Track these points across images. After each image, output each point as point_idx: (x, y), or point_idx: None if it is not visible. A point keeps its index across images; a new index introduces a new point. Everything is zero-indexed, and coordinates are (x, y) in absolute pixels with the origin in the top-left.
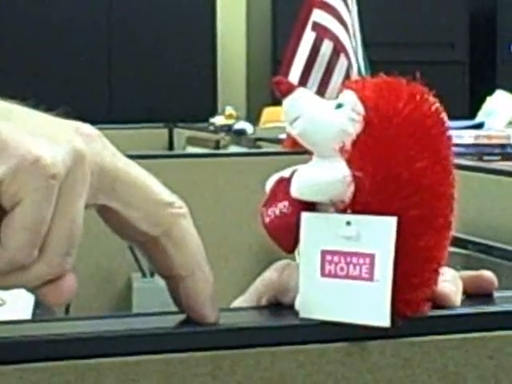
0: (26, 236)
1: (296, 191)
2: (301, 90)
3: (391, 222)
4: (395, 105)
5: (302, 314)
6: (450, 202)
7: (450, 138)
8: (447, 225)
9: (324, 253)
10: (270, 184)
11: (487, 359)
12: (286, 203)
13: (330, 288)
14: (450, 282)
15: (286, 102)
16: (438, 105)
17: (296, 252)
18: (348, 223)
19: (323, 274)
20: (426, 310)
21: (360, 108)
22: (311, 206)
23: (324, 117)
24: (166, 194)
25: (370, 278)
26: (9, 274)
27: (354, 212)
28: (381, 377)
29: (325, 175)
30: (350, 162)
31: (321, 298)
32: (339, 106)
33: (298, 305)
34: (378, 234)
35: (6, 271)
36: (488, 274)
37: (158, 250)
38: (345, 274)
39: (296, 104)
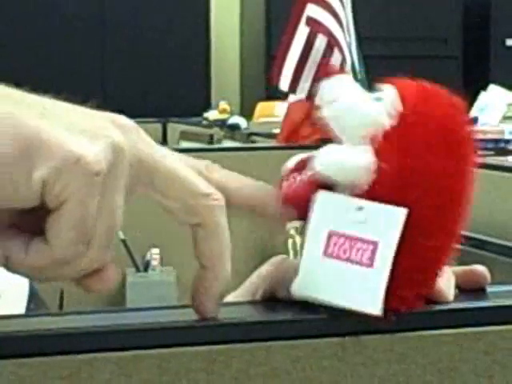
0: (72, 234)
1: (319, 165)
2: (344, 76)
3: (400, 212)
4: (433, 111)
5: (296, 291)
6: (464, 206)
7: (476, 154)
8: (457, 230)
9: (331, 233)
10: (290, 163)
11: (482, 354)
12: (305, 176)
13: (329, 268)
14: (442, 277)
15: (326, 83)
16: (471, 120)
17: (297, 232)
18: (359, 209)
19: (326, 254)
20: (419, 306)
21: (399, 105)
22: (328, 188)
23: (361, 105)
24: (203, 185)
25: (370, 265)
26: (54, 269)
27: (369, 199)
28: (376, 371)
29: (351, 157)
30: (377, 152)
31: (318, 277)
32: (378, 99)
33: (295, 282)
34: (385, 223)
35: (52, 267)
36: (481, 268)
37: (195, 240)
38: (346, 257)
39: (335, 87)
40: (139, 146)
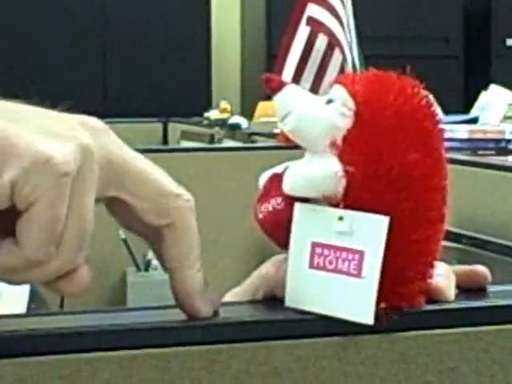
0: (42, 235)
1: (288, 187)
2: (291, 86)
3: (383, 220)
4: (385, 98)
5: (288, 303)
6: (443, 194)
7: (441, 130)
8: (440, 218)
9: (314, 245)
10: (262, 180)
11: (482, 353)
12: (279, 199)
13: (317, 280)
14: (443, 276)
15: (276, 98)
16: (429, 97)
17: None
18: (340, 218)
19: (311, 266)
20: (420, 303)
21: (350, 103)
22: (304, 202)
23: (314, 112)
24: (173, 186)
25: (358, 275)
26: (24, 270)
27: (347, 206)
28: (376, 371)
29: (316, 171)
30: (341, 157)
31: (307, 289)
32: (329, 101)
33: (285, 296)
34: (369, 232)
35: (23, 269)
36: (482, 268)
37: (161, 242)
38: (333, 268)
39: (286, 100)
40: (109, 148)
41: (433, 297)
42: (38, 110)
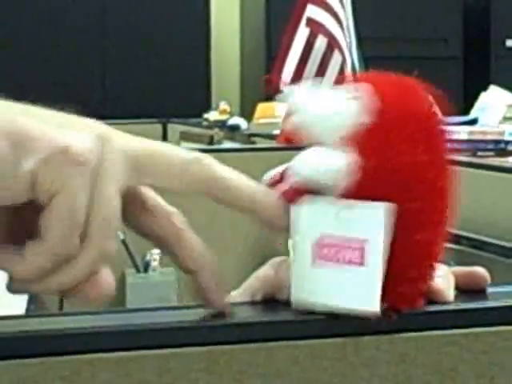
0: (65, 225)
1: (296, 173)
2: (301, 82)
3: (382, 207)
4: (410, 104)
5: (294, 295)
6: (447, 197)
7: (448, 134)
8: (444, 220)
9: (319, 236)
10: (267, 176)
11: (481, 354)
12: (286, 186)
13: (322, 271)
14: (442, 278)
15: (288, 92)
16: (438, 110)
17: (289, 243)
18: (344, 209)
19: (316, 258)
20: (420, 304)
21: (376, 101)
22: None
23: (327, 108)
24: (186, 153)
25: (361, 263)
26: (56, 270)
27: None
28: (376, 372)
29: (325, 162)
30: (358, 151)
31: (312, 281)
32: (355, 98)
33: (291, 290)
34: (369, 220)
35: (51, 266)
36: (481, 270)
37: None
38: (337, 259)
39: (298, 95)
40: (121, 140)
41: (432, 298)
42: (48, 110)
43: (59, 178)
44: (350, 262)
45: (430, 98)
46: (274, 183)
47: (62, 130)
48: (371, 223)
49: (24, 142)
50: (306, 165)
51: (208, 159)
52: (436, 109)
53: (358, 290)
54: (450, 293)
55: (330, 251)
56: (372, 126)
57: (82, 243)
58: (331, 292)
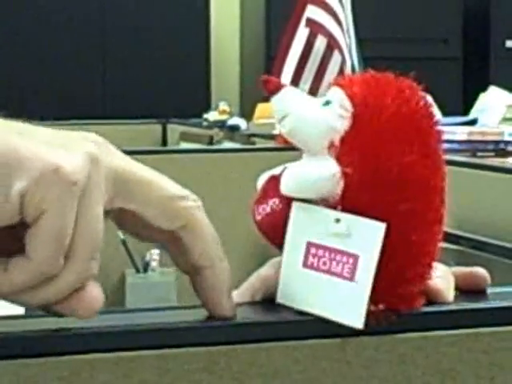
0: (52, 246)
1: (285, 188)
2: (288, 88)
3: (380, 227)
4: (383, 100)
5: (279, 300)
6: (441, 196)
7: (439, 132)
8: (439, 219)
9: (309, 244)
10: (261, 182)
11: (481, 355)
12: (277, 200)
13: (309, 280)
14: (442, 278)
15: (274, 100)
16: (426, 99)
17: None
18: (337, 220)
19: (305, 265)
20: (419, 304)
21: (348, 104)
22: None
23: (312, 114)
24: (178, 189)
25: (351, 278)
26: (38, 287)
27: (344, 208)
28: (375, 373)
29: (314, 172)
30: (338, 159)
31: (299, 288)
32: (327, 103)
33: (277, 292)
34: (365, 237)
35: (34, 283)
36: (481, 270)
37: (178, 244)
38: (327, 269)
39: (283, 102)
40: (112, 160)
41: (432, 298)
42: (41, 127)
43: (48, 197)
44: (339, 275)
45: (424, 97)
46: (269, 188)
47: (52, 148)
48: (368, 241)
49: (15, 162)
50: (294, 179)
51: (196, 201)
52: (429, 108)
53: (346, 303)
54: (449, 293)
55: (320, 260)
56: (349, 131)
57: (65, 261)
58: (316, 300)
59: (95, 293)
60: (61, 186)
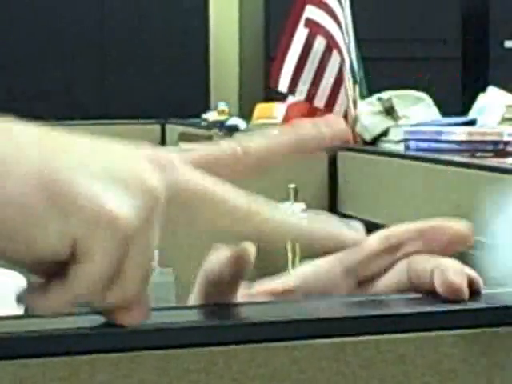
0: (91, 286)
1: None
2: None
3: None
4: None
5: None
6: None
7: None
8: None
9: None
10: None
11: (480, 355)
12: None
13: None
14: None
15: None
16: None
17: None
18: None
19: None
20: None
21: None
22: None
23: None
24: (240, 199)
25: None
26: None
27: None
28: (375, 373)
29: None
30: None
31: None
32: None
33: None
34: None
35: (72, 306)
36: (473, 273)
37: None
38: None
39: None
40: (177, 184)
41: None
42: (102, 146)
43: (99, 243)
44: None
45: None
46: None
47: (110, 189)
48: None
49: (69, 207)
50: None
51: (260, 206)
52: None
53: None
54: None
55: None
56: None
57: (112, 287)
58: None
59: (140, 311)
60: (112, 237)
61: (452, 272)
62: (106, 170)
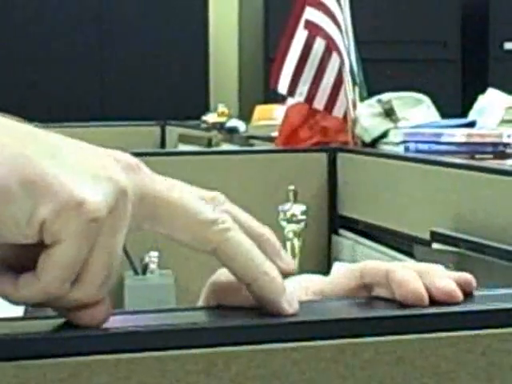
0: (60, 272)
1: None
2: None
3: None
4: None
5: None
6: None
7: None
8: None
9: None
10: None
11: (479, 356)
12: None
13: None
14: (448, 278)
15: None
16: None
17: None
18: None
19: None
20: None
21: None
22: None
23: None
24: (208, 212)
25: None
26: (42, 300)
27: None
28: (374, 374)
29: None
30: None
31: None
32: None
33: None
34: None
35: (40, 301)
36: (468, 276)
37: (219, 259)
38: None
39: None
40: (143, 184)
41: (443, 299)
42: (73, 143)
43: (66, 229)
44: None
45: None
46: None
47: (81, 179)
48: None
49: (41, 189)
50: None
51: (228, 224)
52: None
53: None
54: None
55: None
56: None
57: (76, 283)
58: None
59: (101, 310)
60: (80, 222)
61: (438, 277)
62: (76, 161)
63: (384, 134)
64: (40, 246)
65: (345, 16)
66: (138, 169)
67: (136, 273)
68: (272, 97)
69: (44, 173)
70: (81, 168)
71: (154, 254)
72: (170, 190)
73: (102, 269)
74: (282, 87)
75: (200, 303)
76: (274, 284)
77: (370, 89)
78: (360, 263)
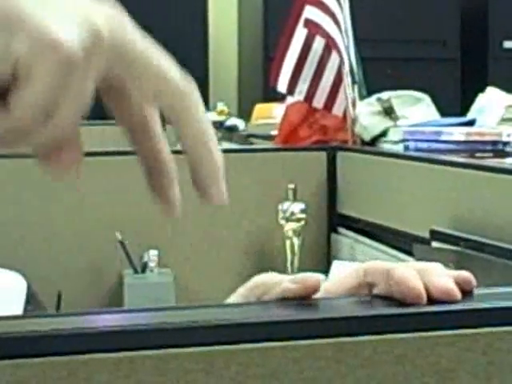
0: (31, 110)
1: None
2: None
3: None
4: None
5: None
6: None
7: None
8: None
9: None
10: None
11: (479, 355)
12: None
13: None
14: (446, 277)
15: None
16: None
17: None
18: None
19: None
20: None
21: None
22: None
23: None
24: (178, 73)
25: None
26: (13, 135)
27: None
28: (373, 373)
29: None
30: None
31: None
32: None
33: None
34: None
35: (10, 138)
36: (467, 274)
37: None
38: None
39: None
40: (120, 32)
41: (441, 298)
42: None
43: (40, 67)
44: None
45: None
46: None
47: (59, 16)
48: None
49: (14, 25)
50: None
51: (195, 94)
52: None
53: None
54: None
55: None
56: None
57: (47, 119)
58: None
59: (72, 155)
60: (54, 61)
61: (436, 276)
62: (56, 4)
63: (383, 133)
64: (13, 85)
65: (344, 15)
66: (117, 17)
67: (135, 271)
68: (271, 95)
69: (23, 10)
70: (59, 7)
71: (154, 252)
72: (148, 48)
73: (72, 108)
74: (282, 86)
75: (233, 299)
76: (219, 163)
77: (370, 87)
78: (364, 263)
